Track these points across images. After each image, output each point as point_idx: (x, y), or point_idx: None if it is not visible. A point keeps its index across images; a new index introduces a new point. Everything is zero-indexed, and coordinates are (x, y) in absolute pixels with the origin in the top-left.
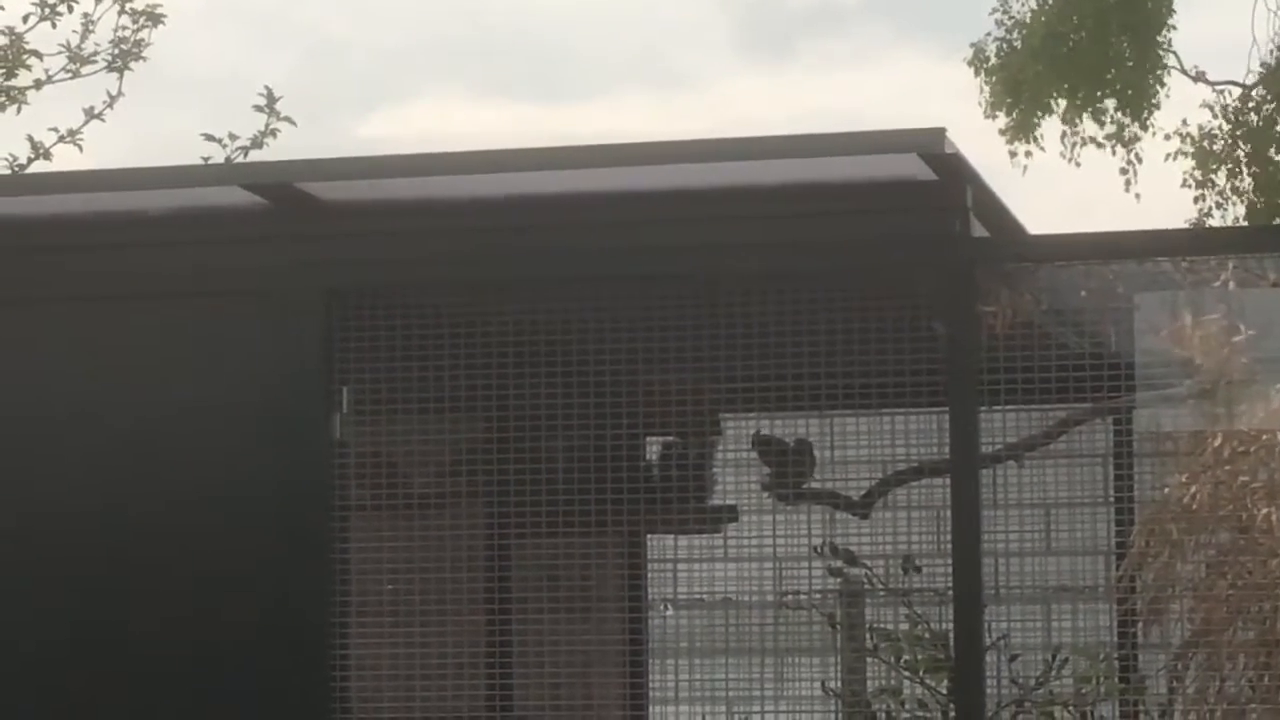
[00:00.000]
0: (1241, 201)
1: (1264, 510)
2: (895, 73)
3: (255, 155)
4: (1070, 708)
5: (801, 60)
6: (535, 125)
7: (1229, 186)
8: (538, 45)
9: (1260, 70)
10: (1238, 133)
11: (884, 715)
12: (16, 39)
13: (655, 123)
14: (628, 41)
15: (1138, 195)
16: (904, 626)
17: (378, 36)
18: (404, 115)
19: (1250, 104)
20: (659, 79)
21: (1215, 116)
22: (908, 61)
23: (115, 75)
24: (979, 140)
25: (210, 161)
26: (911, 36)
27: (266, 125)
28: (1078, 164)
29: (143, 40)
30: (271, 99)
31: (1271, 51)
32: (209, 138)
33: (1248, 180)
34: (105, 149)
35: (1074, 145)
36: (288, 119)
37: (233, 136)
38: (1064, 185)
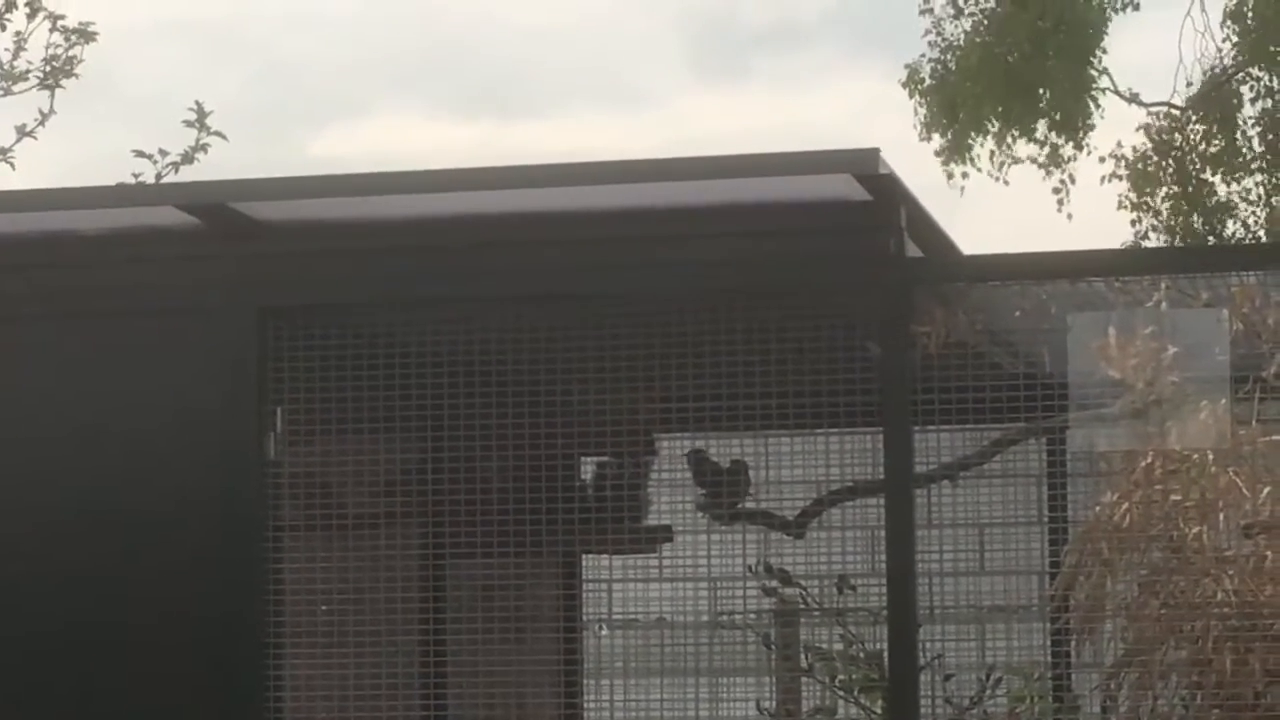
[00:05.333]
0: (1177, 227)
1: (1195, 529)
2: (851, 91)
3: (186, 170)
4: None
5: (758, 78)
6: (491, 142)
7: (1165, 209)
8: (494, 63)
9: (1186, 90)
10: (1171, 154)
11: None
12: None
13: (611, 141)
14: (584, 59)
15: (1070, 216)
16: (839, 646)
17: (333, 53)
18: (358, 132)
19: (1184, 123)
20: (615, 97)
21: (1149, 139)
22: (865, 80)
23: (48, 93)
24: (923, 161)
25: (141, 178)
26: (868, 55)
27: (197, 140)
28: (1006, 183)
29: (75, 57)
30: (202, 114)
31: (1201, 71)
32: (139, 154)
33: (1168, 202)
34: (45, 166)
35: (1002, 164)
36: (218, 133)
37: (163, 152)
38: (1004, 207)
